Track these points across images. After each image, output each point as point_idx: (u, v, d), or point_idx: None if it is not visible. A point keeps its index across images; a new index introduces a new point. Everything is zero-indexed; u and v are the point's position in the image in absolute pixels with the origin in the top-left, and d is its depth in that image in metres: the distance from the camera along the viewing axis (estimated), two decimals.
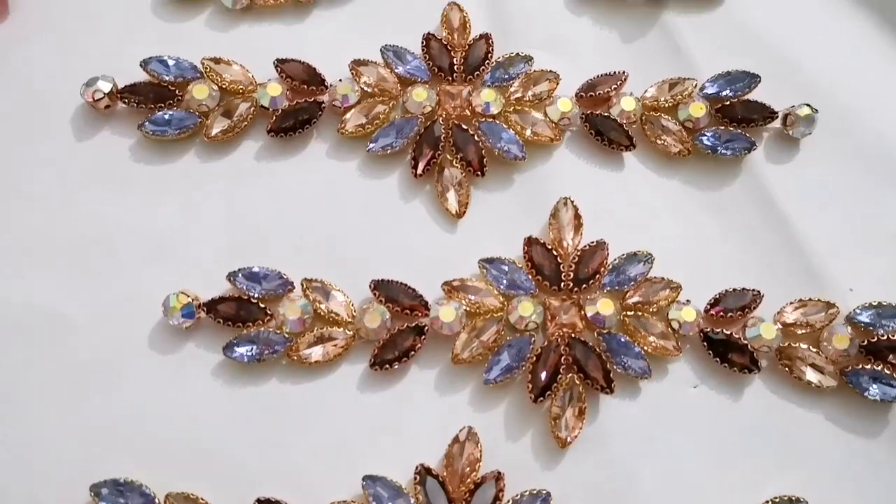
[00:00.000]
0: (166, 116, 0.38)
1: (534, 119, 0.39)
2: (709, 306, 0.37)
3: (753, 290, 0.37)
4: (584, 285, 0.36)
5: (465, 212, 0.38)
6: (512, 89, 0.40)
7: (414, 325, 0.36)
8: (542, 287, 0.37)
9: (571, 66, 0.41)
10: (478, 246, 0.38)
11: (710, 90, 0.40)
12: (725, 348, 0.36)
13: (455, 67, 0.40)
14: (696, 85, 0.40)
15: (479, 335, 0.35)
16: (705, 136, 0.39)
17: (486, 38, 0.40)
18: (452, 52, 0.40)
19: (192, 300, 0.35)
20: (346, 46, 0.41)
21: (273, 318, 0.35)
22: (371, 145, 0.39)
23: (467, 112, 0.39)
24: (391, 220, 0.38)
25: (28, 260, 0.37)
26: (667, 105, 0.40)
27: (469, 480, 0.33)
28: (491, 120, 0.39)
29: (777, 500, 0.34)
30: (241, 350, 0.35)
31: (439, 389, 0.36)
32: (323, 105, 0.39)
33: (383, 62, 0.40)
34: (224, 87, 0.39)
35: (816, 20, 0.43)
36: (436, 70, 0.40)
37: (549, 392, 0.35)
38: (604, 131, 0.39)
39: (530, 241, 0.37)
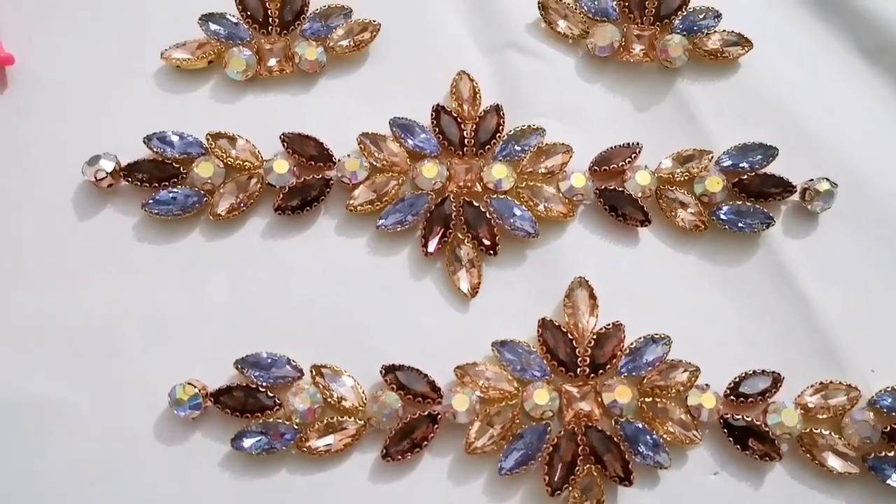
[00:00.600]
0: (170, 195, 0.37)
1: (546, 194, 0.38)
2: (728, 391, 0.36)
3: (774, 372, 0.36)
4: (601, 371, 0.35)
5: (477, 292, 0.37)
6: (524, 164, 0.39)
7: (426, 413, 0.35)
8: (557, 372, 0.36)
9: (584, 136, 0.40)
10: (490, 326, 0.37)
11: (727, 163, 0.39)
12: (746, 435, 0.35)
13: (465, 141, 0.39)
14: (711, 157, 0.39)
15: (494, 423, 0.35)
16: (722, 210, 0.39)
17: (496, 109, 0.40)
18: (462, 125, 0.39)
19: (200, 390, 0.34)
20: (353, 116, 0.40)
21: (282, 407, 0.34)
22: (381, 222, 0.38)
23: (478, 188, 0.38)
24: (401, 299, 0.38)
25: (26, 347, 0.36)
26: (682, 178, 0.39)
27: None
28: (503, 196, 0.38)
29: None
30: (249, 442, 0.34)
31: (453, 479, 0.35)
32: (331, 182, 0.38)
33: (392, 135, 0.39)
34: (229, 163, 0.38)
35: (834, 87, 0.42)
36: (446, 144, 0.39)
37: (566, 485, 0.34)
38: (618, 207, 0.38)
39: (544, 324, 0.36)
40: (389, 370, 0.35)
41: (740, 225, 0.38)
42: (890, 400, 0.36)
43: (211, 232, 0.38)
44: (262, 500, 0.34)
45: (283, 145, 0.38)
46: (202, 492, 0.34)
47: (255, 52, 0.40)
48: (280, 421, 0.34)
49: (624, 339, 0.36)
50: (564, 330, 0.36)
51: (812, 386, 0.36)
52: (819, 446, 0.35)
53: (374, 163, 0.38)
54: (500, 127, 0.39)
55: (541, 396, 0.35)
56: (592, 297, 0.37)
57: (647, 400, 0.35)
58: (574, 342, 0.36)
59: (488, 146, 0.39)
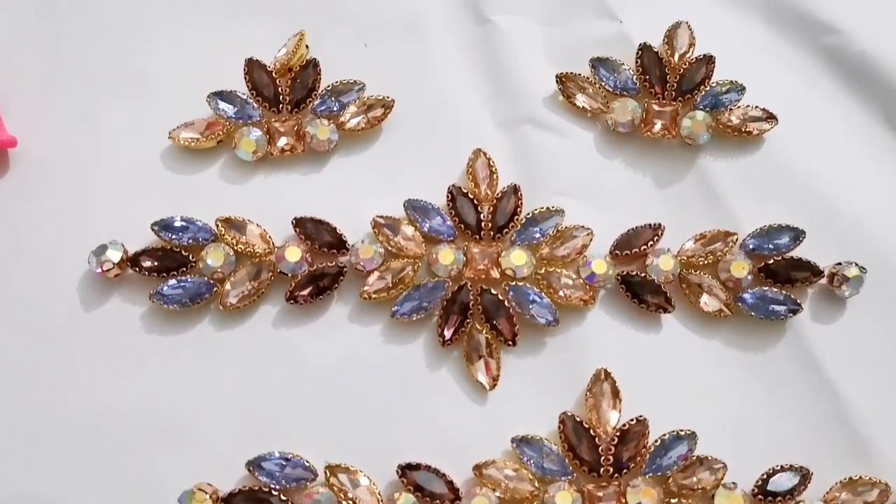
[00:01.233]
0: (179, 284, 0.36)
1: (566, 280, 0.37)
2: (756, 489, 0.35)
3: (802, 468, 0.35)
4: (625, 470, 0.34)
5: (496, 385, 0.36)
6: (543, 248, 0.38)
7: None
8: (579, 471, 0.35)
9: (604, 215, 0.39)
10: (510, 419, 0.36)
11: (752, 245, 0.38)
12: None
13: (483, 224, 0.38)
14: (736, 239, 0.38)
15: None
16: (747, 295, 0.37)
17: (514, 190, 0.38)
18: (479, 207, 0.38)
19: (210, 495, 0.33)
20: (366, 195, 0.39)
21: None
22: (396, 309, 0.37)
23: (496, 274, 0.37)
24: (418, 391, 0.36)
25: (32, 445, 0.35)
26: (706, 262, 0.38)
27: None
28: (521, 283, 0.37)
29: None
30: None
31: None
32: (344, 269, 0.37)
33: (406, 219, 0.38)
34: (240, 249, 0.37)
35: (862, 162, 0.41)
36: (462, 227, 0.38)
37: None
38: (640, 293, 0.37)
39: (566, 420, 0.35)
40: (406, 470, 0.34)
41: (766, 311, 0.37)
42: None
43: (221, 321, 0.37)
44: None
45: (296, 231, 0.37)
46: None
47: (265, 131, 0.39)
48: None
49: (648, 434, 0.35)
50: (587, 426, 0.35)
51: (841, 482, 0.35)
52: None
53: (389, 247, 0.37)
54: (518, 209, 0.38)
55: (563, 499, 0.34)
56: (615, 390, 0.36)
57: (672, 501, 0.34)
58: (597, 439, 0.35)
59: (506, 229, 0.38)
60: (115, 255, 0.36)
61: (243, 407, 0.36)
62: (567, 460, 0.35)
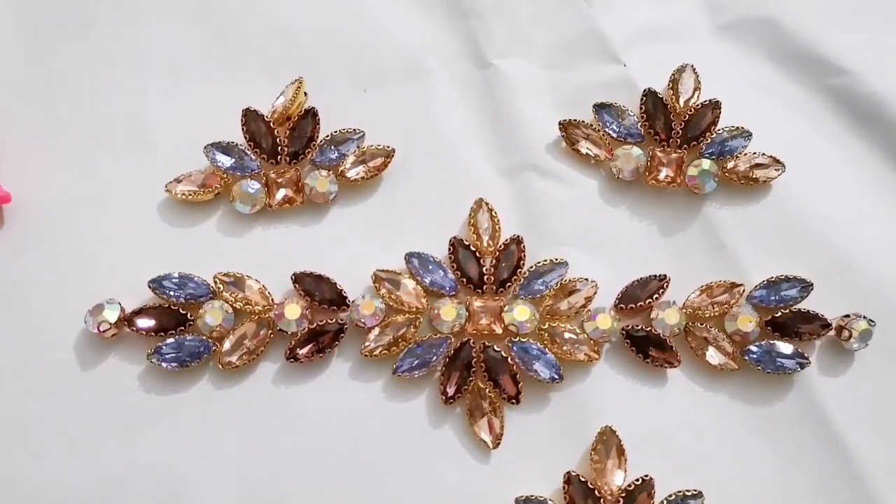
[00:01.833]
0: (177, 344, 0.36)
1: (570, 336, 0.37)
2: None
3: None
4: None
5: (499, 443, 0.36)
6: (547, 302, 0.37)
7: None
8: None
9: (608, 265, 0.39)
10: (513, 478, 0.36)
11: (759, 297, 0.38)
12: None
13: (485, 278, 0.37)
14: (742, 291, 0.37)
15: None
16: (754, 349, 0.37)
17: (517, 241, 0.38)
18: (481, 260, 0.37)
19: None
20: (366, 247, 0.39)
21: None
22: (398, 366, 0.36)
23: (499, 330, 0.36)
24: (420, 449, 0.36)
25: None
26: (712, 314, 0.37)
27: None
28: (525, 339, 0.36)
29: None
30: None
31: None
32: (345, 326, 0.36)
33: (407, 272, 0.37)
34: (238, 307, 0.36)
35: (870, 209, 0.40)
36: (464, 281, 0.37)
37: None
38: (646, 349, 0.37)
39: (570, 479, 0.34)
40: None
41: (774, 366, 0.37)
42: None
43: (220, 380, 0.36)
44: None
45: (295, 287, 0.36)
46: None
47: (263, 183, 0.38)
48: None
49: (654, 495, 0.34)
50: (592, 486, 0.34)
51: None
52: None
53: (391, 302, 0.37)
54: (521, 262, 0.37)
55: None
56: (620, 448, 0.35)
57: None
58: (602, 501, 0.34)
59: (509, 283, 0.37)
60: (111, 315, 0.35)
61: (243, 468, 0.35)
62: None
